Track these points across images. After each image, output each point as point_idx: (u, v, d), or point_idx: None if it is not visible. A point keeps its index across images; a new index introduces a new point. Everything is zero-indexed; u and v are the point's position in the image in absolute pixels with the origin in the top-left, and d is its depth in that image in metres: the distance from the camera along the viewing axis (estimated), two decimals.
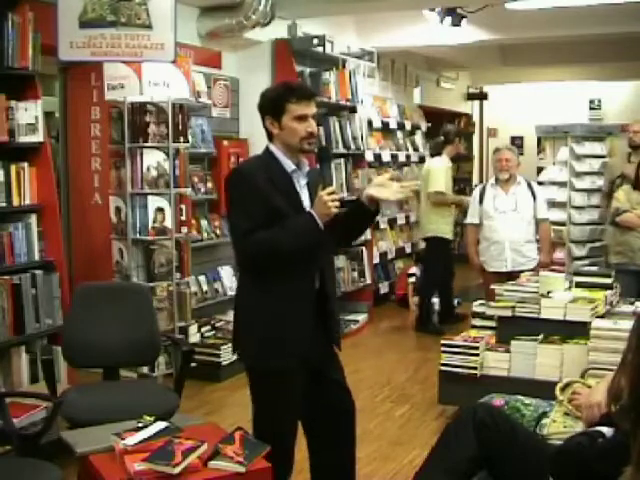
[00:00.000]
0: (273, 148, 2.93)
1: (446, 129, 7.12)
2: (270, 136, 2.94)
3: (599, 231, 7.50)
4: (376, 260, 7.73)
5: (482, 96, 12.19)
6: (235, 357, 5.48)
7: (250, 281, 2.94)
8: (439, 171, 6.85)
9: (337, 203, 2.78)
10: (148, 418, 2.79)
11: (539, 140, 8.06)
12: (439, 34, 7.61)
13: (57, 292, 4.20)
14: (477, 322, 4.64)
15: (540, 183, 7.01)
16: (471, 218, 5.94)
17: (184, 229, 5.20)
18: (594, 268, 5.65)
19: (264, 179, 2.83)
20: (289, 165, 2.90)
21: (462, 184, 10.62)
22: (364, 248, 7.38)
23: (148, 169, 4.90)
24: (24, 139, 4.06)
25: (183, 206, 5.20)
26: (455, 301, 7.32)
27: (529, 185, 5.79)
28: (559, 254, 7.34)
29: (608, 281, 4.56)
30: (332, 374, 3.11)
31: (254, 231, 2.76)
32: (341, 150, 6.97)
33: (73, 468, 2.94)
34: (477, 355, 4.32)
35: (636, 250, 5.40)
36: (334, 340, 3.08)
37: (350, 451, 3.24)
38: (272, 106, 2.89)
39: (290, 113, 2.85)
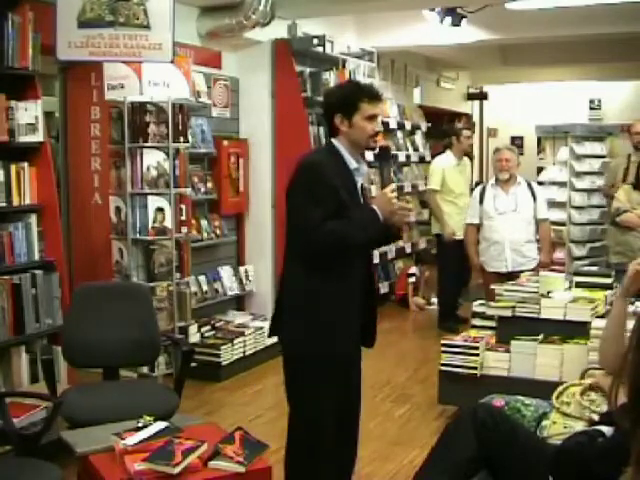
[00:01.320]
0: (337, 144, 2.97)
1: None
2: (335, 132, 2.97)
3: (599, 231, 7.50)
4: (376, 260, 7.72)
5: (482, 96, 12.19)
6: (235, 357, 5.51)
7: (302, 268, 2.93)
8: (436, 169, 6.94)
9: (397, 200, 2.90)
10: (148, 418, 2.79)
11: (539, 140, 8.07)
12: (439, 34, 7.60)
13: (57, 292, 4.20)
14: (477, 322, 4.65)
15: (540, 183, 7.01)
16: (471, 218, 5.94)
17: (184, 229, 5.21)
18: (594, 268, 5.65)
19: (334, 172, 2.88)
20: (352, 162, 2.96)
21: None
22: None
23: (148, 169, 4.90)
24: (24, 139, 4.06)
25: (183, 206, 5.20)
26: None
27: (529, 185, 5.79)
28: (559, 254, 7.35)
29: (608, 281, 4.56)
30: (355, 377, 3.15)
31: (325, 221, 2.80)
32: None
33: (73, 468, 2.94)
34: (477, 355, 4.32)
35: (636, 250, 5.39)
36: (371, 339, 3.13)
37: (352, 452, 3.23)
38: (344, 104, 2.93)
39: (362, 112, 2.91)
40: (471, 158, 11.43)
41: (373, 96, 2.96)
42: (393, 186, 2.92)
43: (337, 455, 3.14)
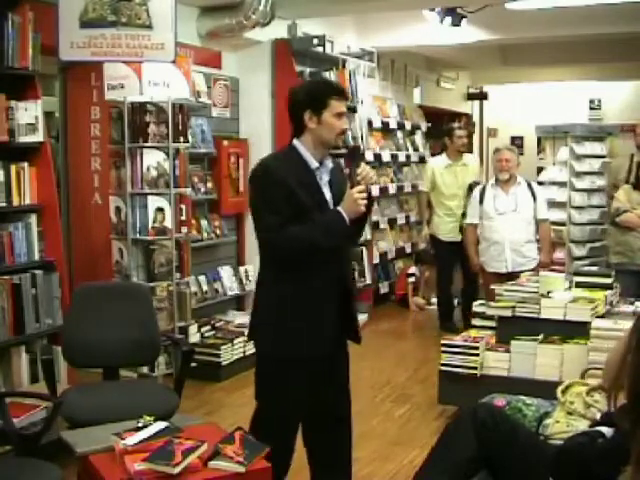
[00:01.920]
0: (298, 144, 2.98)
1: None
2: (300, 130, 2.96)
3: (599, 231, 7.49)
4: (376, 260, 7.73)
5: (482, 96, 12.18)
6: (235, 357, 5.51)
7: (272, 273, 2.98)
8: (427, 170, 6.99)
9: (365, 202, 2.89)
10: (148, 418, 2.79)
11: (539, 140, 8.05)
12: (439, 34, 7.60)
13: (57, 292, 4.20)
14: (477, 322, 4.65)
15: (540, 183, 7.00)
16: (471, 218, 5.94)
17: (184, 229, 5.21)
18: (594, 268, 5.65)
19: (289, 174, 2.87)
20: (313, 162, 2.95)
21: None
22: (364, 248, 7.38)
23: (148, 169, 4.90)
24: (24, 139, 4.06)
25: (183, 206, 5.20)
26: (455, 302, 7.31)
27: (529, 185, 5.79)
28: (559, 254, 7.34)
29: (608, 281, 4.56)
30: (338, 376, 3.16)
31: (283, 226, 2.81)
32: (341, 150, 6.95)
33: (73, 468, 2.94)
34: (477, 355, 4.32)
35: (636, 250, 5.40)
36: (354, 337, 3.19)
37: (347, 453, 3.22)
38: (314, 101, 2.93)
39: (332, 109, 2.92)
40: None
41: (341, 93, 2.98)
42: (361, 187, 2.90)
43: (328, 455, 3.16)
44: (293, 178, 2.87)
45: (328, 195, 2.98)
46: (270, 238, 2.87)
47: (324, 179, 2.99)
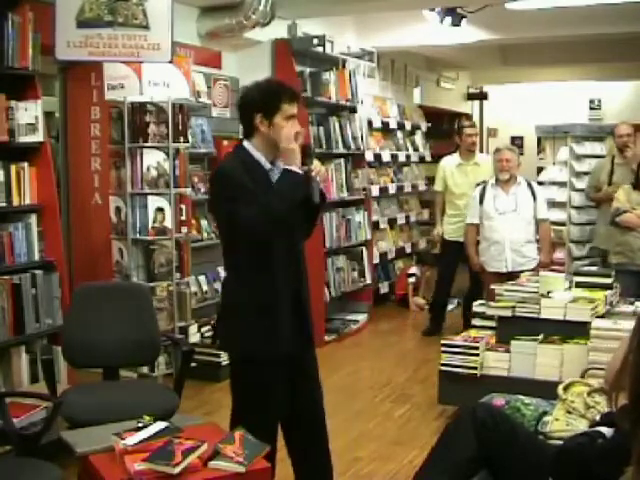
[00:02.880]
0: (248, 146, 2.95)
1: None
2: (250, 132, 2.95)
3: None
4: (376, 260, 7.73)
5: (482, 96, 12.18)
6: None
7: (234, 275, 3.01)
8: (439, 169, 6.92)
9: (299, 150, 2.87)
10: (148, 418, 2.79)
11: (539, 140, 8.06)
12: (439, 34, 7.60)
13: (57, 292, 4.20)
14: (477, 322, 4.65)
15: (540, 183, 7.01)
16: (471, 218, 5.94)
17: (184, 229, 5.20)
18: (594, 268, 5.65)
19: (244, 176, 2.86)
20: (266, 163, 2.94)
21: None
22: (364, 248, 7.38)
23: (148, 169, 4.90)
24: (24, 139, 4.06)
25: (183, 206, 5.20)
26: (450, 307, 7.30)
27: (529, 185, 5.79)
28: (559, 254, 7.34)
29: (608, 281, 4.56)
30: (301, 384, 3.08)
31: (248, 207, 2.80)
32: (341, 150, 6.97)
33: (73, 468, 2.94)
34: (477, 355, 4.32)
35: (636, 250, 5.39)
36: (309, 339, 3.07)
37: (324, 447, 3.18)
38: (265, 104, 2.90)
39: (283, 113, 2.90)
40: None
41: (293, 96, 2.95)
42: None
43: (308, 452, 3.15)
44: (249, 179, 2.86)
45: None
46: (239, 221, 2.81)
47: (276, 179, 2.94)
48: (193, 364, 4.19)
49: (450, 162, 6.85)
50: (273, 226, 2.84)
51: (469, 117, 12.09)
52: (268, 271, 2.92)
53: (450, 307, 7.30)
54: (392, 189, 8.14)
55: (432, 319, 6.89)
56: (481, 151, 12.23)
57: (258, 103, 2.91)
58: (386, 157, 8.06)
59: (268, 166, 2.94)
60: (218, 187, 2.97)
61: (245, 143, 2.97)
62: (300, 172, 2.87)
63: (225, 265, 3.10)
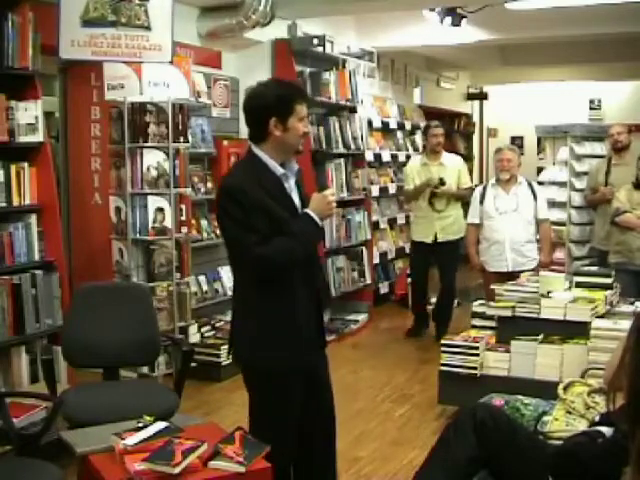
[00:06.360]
0: (259, 152, 2.83)
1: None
2: (263, 137, 2.82)
3: None
4: (376, 260, 7.74)
5: (482, 96, 12.19)
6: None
7: (249, 283, 2.86)
8: (406, 168, 6.79)
9: (335, 205, 2.83)
10: (148, 418, 2.79)
11: (539, 140, 8.06)
12: (439, 34, 7.60)
13: (57, 292, 4.20)
14: (477, 322, 4.65)
15: (540, 183, 7.00)
16: (471, 218, 5.94)
17: (184, 229, 5.20)
18: (594, 268, 5.64)
19: (256, 190, 2.73)
20: (278, 169, 2.82)
21: None
22: (364, 248, 7.38)
23: (148, 169, 4.90)
24: (24, 139, 4.06)
25: (183, 206, 5.20)
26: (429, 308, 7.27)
27: (530, 185, 5.79)
28: (559, 254, 7.33)
29: (608, 281, 4.56)
30: (322, 376, 3.05)
31: (261, 244, 2.69)
32: (341, 150, 6.97)
33: (73, 468, 2.94)
34: (477, 355, 4.32)
35: (634, 250, 5.39)
36: (324, 342, 3.05)
37: (332, 451, 3.14)
38: (280, 107, 2.77)
39: (297, 114, 2.79)
40: (469, 158, 11.31)
41: (305, 96, 2.86)
42: (332, 190, 2.84)
43: (314, 457, 3.08)
44: (261, 193, 2.72)
45: (297, 200, 2.87)
46: (249, 257, 2.72)
47: (290, 183, 2.87)
48: (193, 364, 4.19)
49: (416, 162, 6.75)
50: (289, 266, 2.78)
51: (469, 117, 12.12)
52: (290, 281, 2.81)
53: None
54: (392, 189, 8.14)
55: (415, 320, 6.91)
56: (481, 151, 12.30)
57: (272, 107, 2.77)
58: (386, 157, 8.07)
59: (280, 171, 2.81)
60: (226, 202, 2.78)
61: (255, 150, 2.84)
62: (320, 224, 2.80)
63: (233, 276, 2.99)
